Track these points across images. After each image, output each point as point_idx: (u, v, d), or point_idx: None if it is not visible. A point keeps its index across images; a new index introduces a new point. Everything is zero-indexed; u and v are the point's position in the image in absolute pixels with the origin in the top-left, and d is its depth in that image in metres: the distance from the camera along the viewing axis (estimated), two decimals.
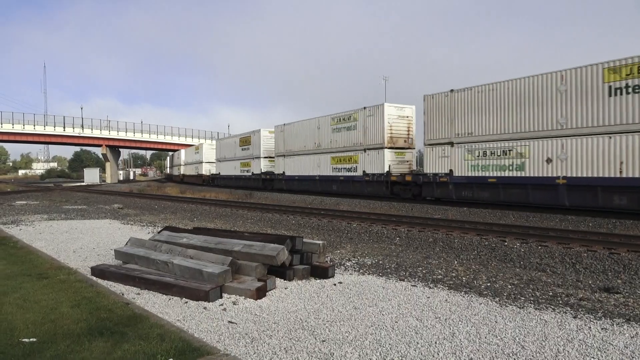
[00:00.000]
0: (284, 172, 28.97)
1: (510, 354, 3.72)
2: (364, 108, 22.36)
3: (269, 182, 31.41)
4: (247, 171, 34.70)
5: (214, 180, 42.51)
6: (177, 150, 66.72)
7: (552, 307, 5.07)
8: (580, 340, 4.02)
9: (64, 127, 62.48)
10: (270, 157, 32.46)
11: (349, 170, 23.30)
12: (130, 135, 67.96)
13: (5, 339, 4.01)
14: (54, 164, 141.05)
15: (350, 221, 13.48)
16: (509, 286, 6.13)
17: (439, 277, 6.70)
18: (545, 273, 7.13)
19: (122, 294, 5.61)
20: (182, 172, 56.70)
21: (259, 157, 33.04)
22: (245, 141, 35.63)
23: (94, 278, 6.45)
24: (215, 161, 43.25)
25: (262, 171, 32.38)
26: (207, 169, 45.67)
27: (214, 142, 47.66)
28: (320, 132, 25.81)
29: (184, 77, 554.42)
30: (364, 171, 22.23)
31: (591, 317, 4.70)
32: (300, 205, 19.83)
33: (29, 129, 59.58)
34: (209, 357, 3.64)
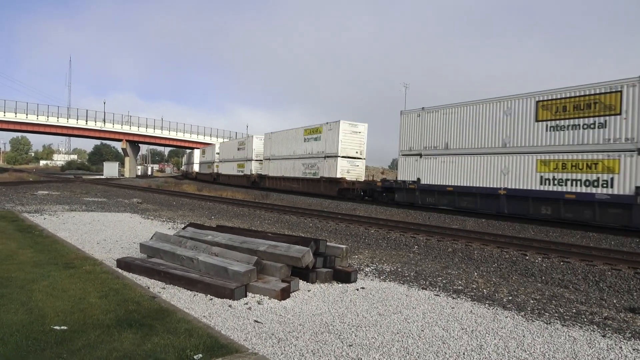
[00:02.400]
0: None
1: None
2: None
3: None
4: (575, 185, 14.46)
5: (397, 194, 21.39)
6: (195, 148, 67.35)
7: (579, 324, 5.00)
8: None
9: (86, 121, 63.78)
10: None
11: None
12: (150, 132, 68.93)
13: (38, 326, 4.09)
14: (74, 156, 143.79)
15: (367, 227, 13.46)
16: (532, 301, 6.05)
17: (460, 287, 6.65)
18: (568, 289, 7.03)
19: (148, 287, 5.67)
20: (253, 172, 37.73)
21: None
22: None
23: (119, 270, 6.54)
24: (402, 157, 21.40)
25: None
26: (344, 169, 26.28)
27: (358, 124, 27.12)
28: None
29: (202, 75, 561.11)
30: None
31: (620, 337, 4.62)
32: (316, 209, 19.87)
33: (52, 120, 61.00)
34: (237, 354, 3.66)
